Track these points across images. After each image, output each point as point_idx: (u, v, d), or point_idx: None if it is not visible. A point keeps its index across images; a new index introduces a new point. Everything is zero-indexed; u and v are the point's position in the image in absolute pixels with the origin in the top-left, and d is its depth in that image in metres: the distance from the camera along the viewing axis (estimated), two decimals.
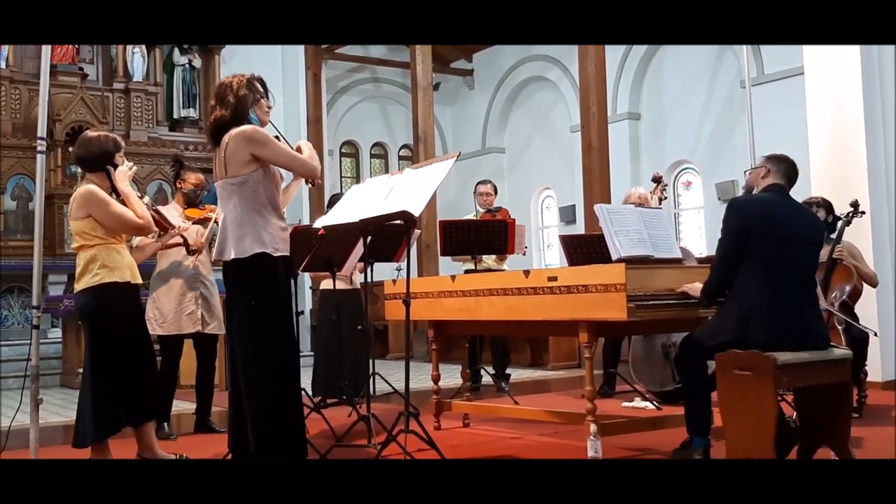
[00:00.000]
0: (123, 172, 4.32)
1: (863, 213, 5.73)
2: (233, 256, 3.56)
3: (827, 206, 5.66)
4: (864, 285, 5.67)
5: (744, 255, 3.65)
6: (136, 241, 5.25)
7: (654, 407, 5.88)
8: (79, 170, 4.46)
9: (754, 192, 3.90)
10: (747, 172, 4.04)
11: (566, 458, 4.27)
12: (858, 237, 6.03)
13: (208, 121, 3.73)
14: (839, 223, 5.61)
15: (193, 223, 5.33)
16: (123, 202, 4.27)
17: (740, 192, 4.18)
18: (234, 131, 3.56)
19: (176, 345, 5.42)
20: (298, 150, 3.79)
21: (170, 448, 4.75)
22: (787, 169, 3.89)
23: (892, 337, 6.39)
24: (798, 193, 3.94)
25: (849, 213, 5.66)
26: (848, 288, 5.47)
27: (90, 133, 4.43)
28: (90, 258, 4.22)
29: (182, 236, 5.10)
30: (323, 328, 6.52)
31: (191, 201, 5.50)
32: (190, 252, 5.17)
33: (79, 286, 4.26)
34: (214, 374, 5.62)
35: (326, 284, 6.48)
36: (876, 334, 5.66)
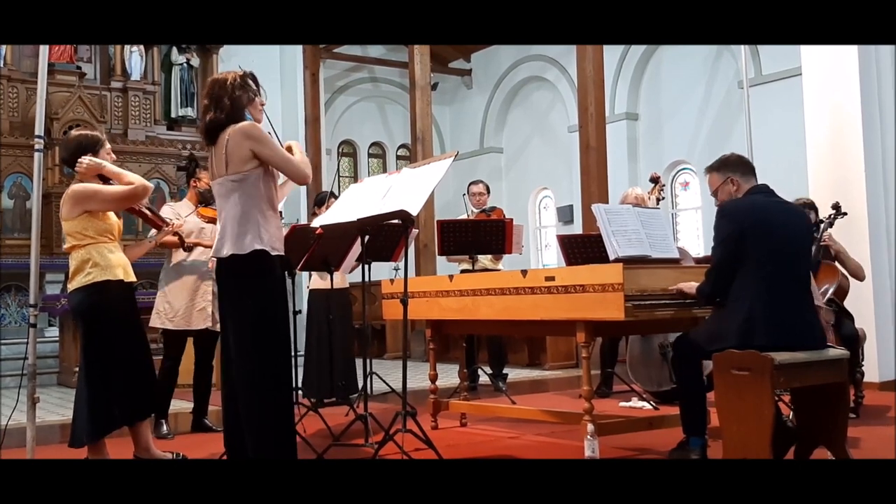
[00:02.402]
0: (99, 162, 4.31)
1: (844, 214, 5.75)
2: (231, 253, 3.53)
3: (812, 207, 5.66)
4: (851, 282, 5.69)
5: (740, 260, 3.63)
6: (151, 233, 5.22)
7: (651, 407, 5.89)
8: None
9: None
10: (715, 196, 3.96)
11: (563, 458, 4.27)
12: (847, 236, 6.03)
13: (202, 121, 3.71)
14: (821, 225, 5.63)
15: (206, 222, 5.34)
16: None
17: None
18: (235, 128, 3.54)
19: (181, 341, 5.41)
20: (289, 149, 3.75)
21: (167, 447, 4.75)
22: (743, 165, 3.84)
23: (889, 338, 6.40)
24: (797, 194, 3.94)
25: (830, 215, 5.68)
26: (833, 286, 5.49)
27: (70, 134, 4.46)
28: (83, 258, 4.24)
29: (177, 233, 5.09)
30: (314, 328, 6.52)
31: (205, 200, 5.48)
32: (185, 249, 5.16)
33: (72, 285, 4.28)
34: (212, 373, 5.61)
35: (315, 284, 6.49)
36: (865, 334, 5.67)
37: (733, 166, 3.84)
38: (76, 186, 4.26)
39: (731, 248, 3.66)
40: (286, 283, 3.77)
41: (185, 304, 5.31)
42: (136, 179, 4.28)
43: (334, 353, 6.23)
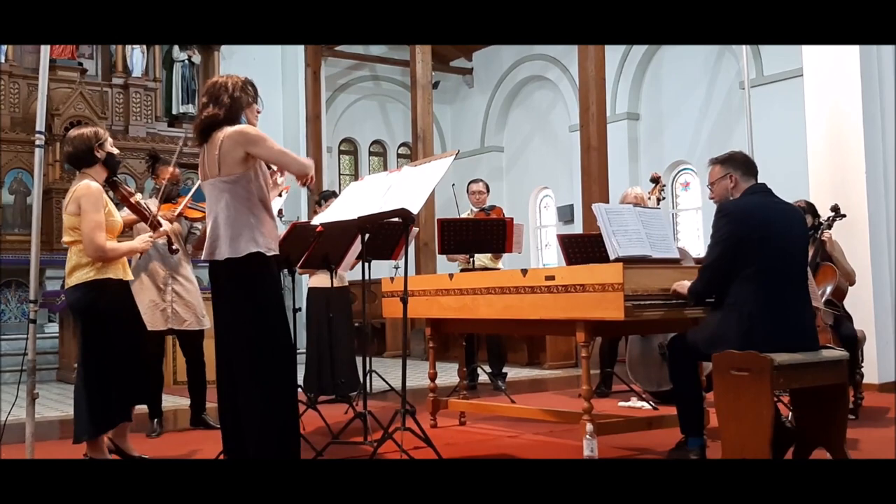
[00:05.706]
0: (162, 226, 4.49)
1: (843, 216, 5.75)
2: (227, 256, 3.53)
3: (812, 209, 5.66)
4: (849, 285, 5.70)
5: (738, 262, 3.62)
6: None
7: (650, 407, 5.89)
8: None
9: (731, 198, 3.80)
10: (711, 188, 3.95)
11: (562, 458, 4.27)
12: (847, 238, 6.03)
13: (198, 118, 3.70)
14: (821, 227, 5.63)
15: (165, 218, 5.25)
16: (115, 210, 4.31)
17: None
18: (231, 129, 3.54)
19: (154, 341, 5.37)
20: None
21: (156, 445, 4.76)
22: (746, 165, 3.83)
23: (889, 339, 6.40)
24: (798, 194, 3.93)
25: (829, 216, 5.67)
26: (830, 287, 5.49)
27: (73, 132, 4.39)
28: (83, 253, 4.22)
29: (168, 235, 5.07)
30: (314, 325, 6.52)
31: (166, 197, 5.38)
32: (172, 251, 5.10)
33: (70, 281, 4.26)
34: (204, 370, 5.58)
35: (315, 282, 6.49)
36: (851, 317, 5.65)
37: (737, 164, 3.83)
38: (88, 184, 4.20)
39: (730, 249, 3.65)
40: (282, 283, 3.77)
41: (146, 305, 5.21)
42: (114, 251, 4.24)
43: (334, 351, 6.23)
